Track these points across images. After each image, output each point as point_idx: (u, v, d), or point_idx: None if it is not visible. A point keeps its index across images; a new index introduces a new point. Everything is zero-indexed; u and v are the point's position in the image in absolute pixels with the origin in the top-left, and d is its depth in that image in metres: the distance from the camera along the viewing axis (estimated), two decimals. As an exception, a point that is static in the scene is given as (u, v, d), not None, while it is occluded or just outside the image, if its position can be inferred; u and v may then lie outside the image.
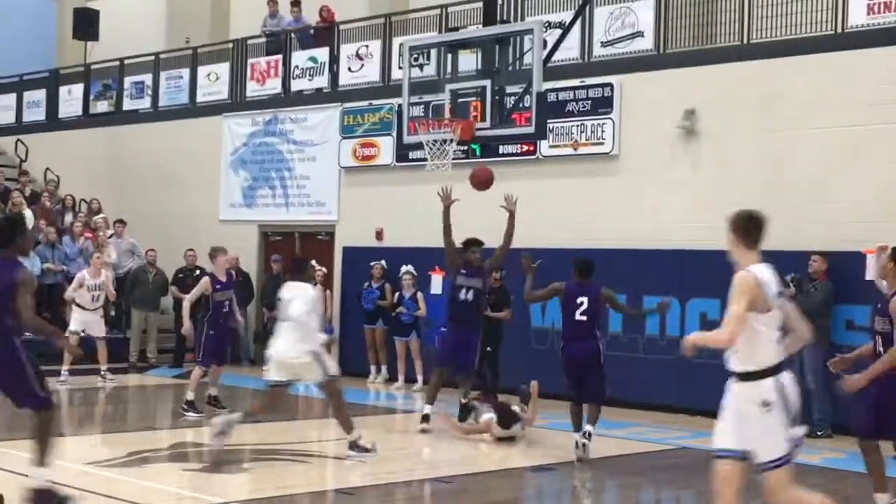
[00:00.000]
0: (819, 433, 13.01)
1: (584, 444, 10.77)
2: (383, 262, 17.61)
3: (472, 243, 12.88)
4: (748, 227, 6.87)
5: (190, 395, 13.38)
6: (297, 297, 10.49)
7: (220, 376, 13.80)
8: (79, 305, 16.51)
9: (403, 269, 16.81)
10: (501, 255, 12.77)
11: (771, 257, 13.96)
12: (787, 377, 6.21)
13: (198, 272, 19.26)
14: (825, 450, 12.27)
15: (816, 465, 11.45)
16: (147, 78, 23.27)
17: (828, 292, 13.27)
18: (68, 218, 21.19)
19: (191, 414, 13.26)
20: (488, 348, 15.32)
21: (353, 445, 10.68)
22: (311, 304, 10.51)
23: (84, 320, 16.43)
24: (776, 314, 6.30)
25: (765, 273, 6.40)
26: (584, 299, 11.08)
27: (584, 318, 11.05)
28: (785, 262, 13.58)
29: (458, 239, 12.78)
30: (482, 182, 12.46)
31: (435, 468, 10.50)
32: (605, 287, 11.36)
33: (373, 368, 17.72)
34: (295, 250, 19.89)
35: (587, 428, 10.85)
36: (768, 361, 6.16)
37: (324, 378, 10.55)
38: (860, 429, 8.61)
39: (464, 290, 12.56)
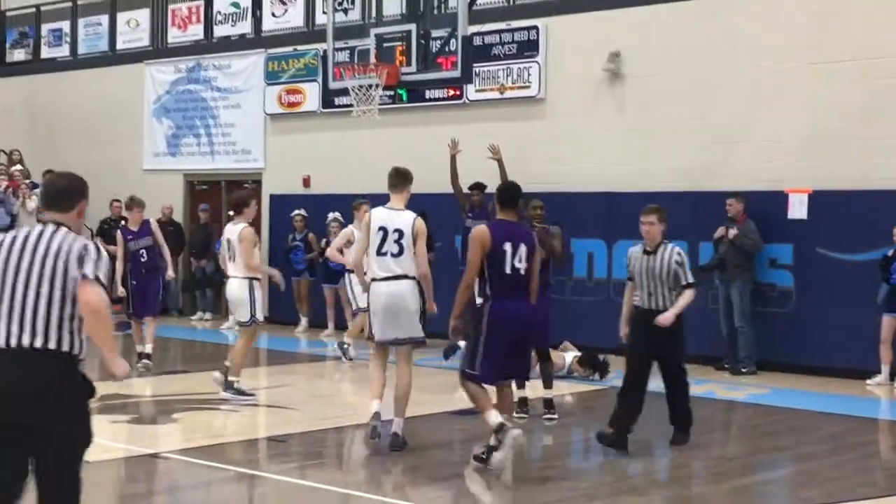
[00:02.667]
0: (744, 370, 13.26)
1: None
2: (303, 210, 17.53)
3: (476, 187, 14.22)
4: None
5: (139, 348, 13.19)
6: None
7: (147, 330, 13.30)
8: (349, 271, 13.50)
9: (331, 216, 16.67)
10: None
11: (695, 198, 14.15)
12: None
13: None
14: (750, 386, 12.52)
15: (742, 400, 11.70)
16: (65, 25, 22.76)
17: (754, 230, 13.38)
18: (-15, 169, 20.76)
19: (142, 365, 12.94)
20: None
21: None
22: None
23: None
24: None
25: None
26: None
27: None
28: (709, 202, 13.78)
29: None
30: None
31: (365, 414, 10.53)
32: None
33: (301, 317, 17.71)
34: (221, 199, 19.71)
35: None
36: None
37: None
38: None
39: None
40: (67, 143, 21.97)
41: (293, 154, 18.62)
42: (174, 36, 20.78)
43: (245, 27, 19.69)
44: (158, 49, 21.02)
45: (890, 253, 12.31)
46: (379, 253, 8.77)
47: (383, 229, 8.77)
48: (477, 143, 14.33)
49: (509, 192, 8.47)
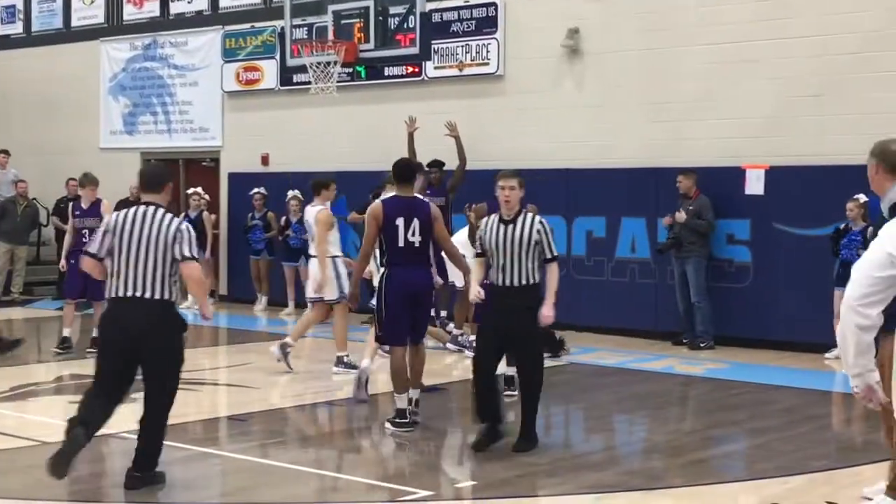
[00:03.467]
0: (702, 345, 13.36)
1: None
2: (262, 189, 17.46)
3: (433, 164, 14.25)
4: None
5: (65, 332, 12.88)
6: None
7: (71, 315, 12.70)
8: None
9: (290, 193, 16.65)
10: (460, 173, 14.02)
11: (654, 174, 14.21)
12: None
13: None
14: (708, 361, 12.62)
15: (700, 375, 11.79)
16: (18, 1, 22.43)
17: (708, 207, 13.47)
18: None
19: (61, 351, 12.57)
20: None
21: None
22: None
23: None
24: None
25: None
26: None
27: None
28: (668, 178, 13.84)
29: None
30: None
31: (326, 392, 10.54)
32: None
33: (260, 296, 17.65)
34: (179, 177, 19.58)
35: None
36: None
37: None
38: None
39: None
40: (22, 121, 21.72)
41: (251, 132, 18.51)
42: (130, 13, 20.55)
43: (202, 4, 19.50)
44: (114, 26, 20.79)
45: (842, 227, 12.41)
46: None
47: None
48: (436, 121, 14.33)
49: (403, 169, 8.89)
